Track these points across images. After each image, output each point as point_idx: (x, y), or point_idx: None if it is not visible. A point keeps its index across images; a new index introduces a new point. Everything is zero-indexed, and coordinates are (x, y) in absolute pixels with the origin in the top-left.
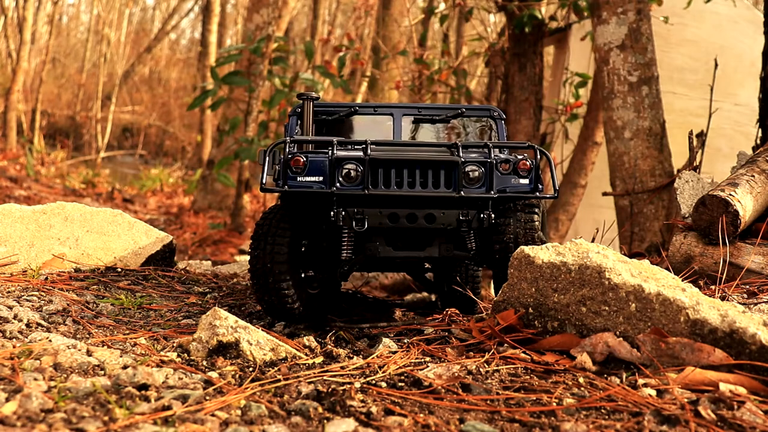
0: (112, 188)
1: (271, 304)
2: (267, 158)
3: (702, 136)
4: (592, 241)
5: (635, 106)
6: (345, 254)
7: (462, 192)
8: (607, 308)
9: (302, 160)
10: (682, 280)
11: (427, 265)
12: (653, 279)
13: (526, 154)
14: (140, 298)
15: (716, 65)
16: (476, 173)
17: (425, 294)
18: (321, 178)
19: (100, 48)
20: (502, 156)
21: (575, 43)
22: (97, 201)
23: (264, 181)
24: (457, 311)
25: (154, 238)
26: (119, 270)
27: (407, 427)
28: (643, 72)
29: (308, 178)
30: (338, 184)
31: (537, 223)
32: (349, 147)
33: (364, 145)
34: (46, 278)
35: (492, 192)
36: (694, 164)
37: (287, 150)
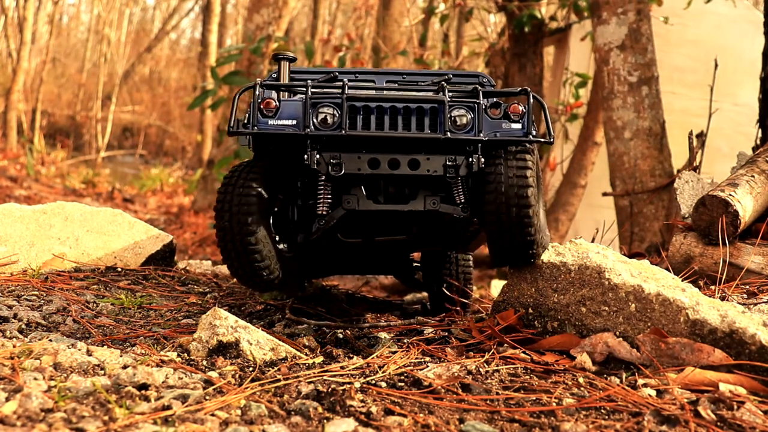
0: (112, 188)
1: (241, 269)
2: (235, 103)
3: (702, 136)
4: (592, 241)
5: (635, 107)
6: (321, 208)
7: (448, 134)
8: (606, 308)
9: (274, 102)
10: (682, 281)
11: (415, 264)
12: (653, 279)
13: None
14: (140, 297)
15: (716, 65)
16: (464, 119)
17: (426, 294)
18: (294, 122)
19: (100, 48)
20: (492, 99)
21: (575, 43)
22: (97, 201)
23: (232, 123)
24: (456, 311)
25: (154, 237)
26: (119, 270)
27: (407, 427)
28: (643, 72)
29: (280, 122)
30: (313, 128)
31: (530, 168)
32: (330, 86)
33: (341, 88)
34: (46, 278)
35: (481, 135)
36: (694, 164)
37: (257, 92)
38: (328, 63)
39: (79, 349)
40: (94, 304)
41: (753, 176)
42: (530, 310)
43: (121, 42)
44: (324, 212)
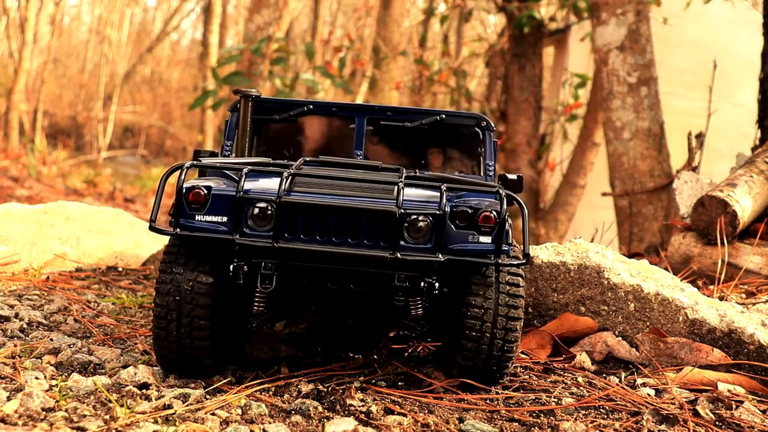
0: (114, 188)
1: (179, 358)
2: (162, 186)
3: (701, 136)
4: (592, 241)
5: (634, 107)
6: (257, 307)
7: (398, 253)
8: (606, 308)
9: (203, 193)
10: (681, 280)
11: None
12: (652, 279)
13: (489, 203)
14: (141, 297)
15: (715, 66)
16: (423, 223)
17: None
18: (225, 218)
19: (101, 48)
20: (459, 203)
21: (575, 44)
22: (98, 200)
23: (153, 217)
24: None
25: (155, 237)
26: (120, 269)
27: (407, 426)
28: (643, 73)
29: (209, 218)
30: (246, 229)
31: (522, 296)
32: (271, 173)
33: (280, 176)
34: (48, 277)
35: (439, 254)
36: (693, 165)
37: (182, 178)
38: (328, 63)
39: (80, 348)
40: (95, 304)
41: (752, 176)
42: (530, 310)
43: (122, 42)
44: (259, 310)
